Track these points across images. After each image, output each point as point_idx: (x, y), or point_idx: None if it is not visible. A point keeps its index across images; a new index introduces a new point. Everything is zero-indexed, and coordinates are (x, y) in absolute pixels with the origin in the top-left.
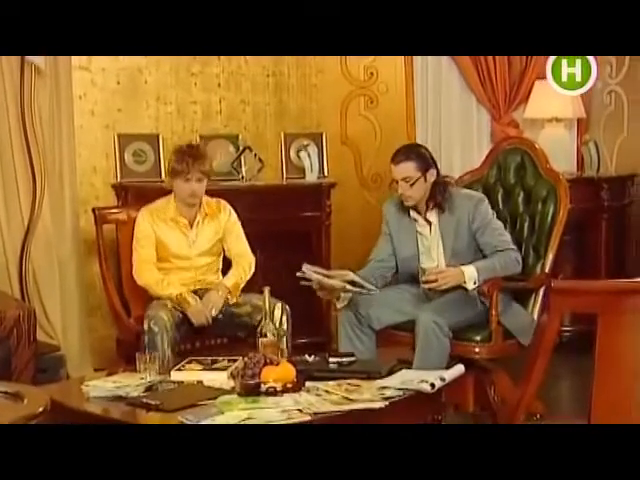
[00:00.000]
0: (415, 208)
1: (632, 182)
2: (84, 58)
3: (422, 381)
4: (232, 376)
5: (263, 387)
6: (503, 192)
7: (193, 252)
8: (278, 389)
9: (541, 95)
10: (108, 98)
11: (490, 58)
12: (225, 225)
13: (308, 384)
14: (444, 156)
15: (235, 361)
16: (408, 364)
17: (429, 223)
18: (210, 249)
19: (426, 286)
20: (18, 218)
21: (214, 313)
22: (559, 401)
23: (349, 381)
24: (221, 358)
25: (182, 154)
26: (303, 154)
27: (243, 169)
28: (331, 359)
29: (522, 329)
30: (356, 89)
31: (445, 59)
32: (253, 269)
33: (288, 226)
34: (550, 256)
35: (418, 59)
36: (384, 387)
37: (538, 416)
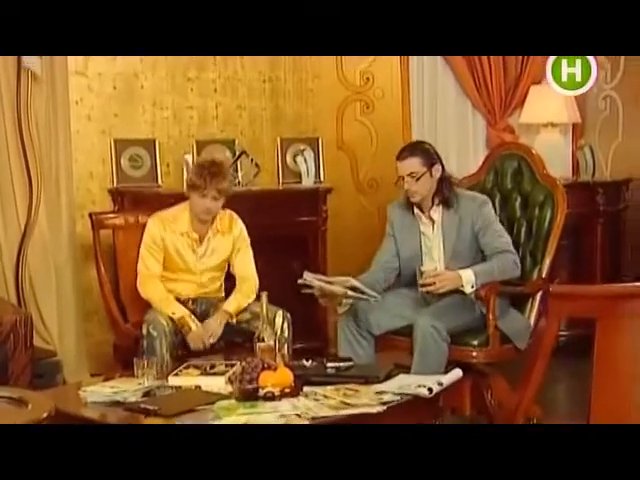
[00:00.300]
0: (419, 207)
1: (627, 187)
2: (80, 63)
3: (420, 386)
4: (230, 381)
5: (261, 392)
6: (500, 197)
7: (199, 267)
8: (276, 394)
9: (536, 100)
10: (104, 103)
11: (486, 63)
12: (234, 243)
13: (306, 389)
14: None
15: (233, 366)
16: (406, 369)
17: (432, 222)
18: (216, 266)
19: (424, 289)
20: (14, 223)
21: (212, 341)
22: (556, 405)
23: (347, 386)
24: (219, 363)
25: (202, 169)
26: (299, 159)
27: (239, 174)
28: (329, 364)
29: (519, 333)
30: (352, 94)
31: (441, 64)
32: (256, 292)
33: (284, 231)
34: (547, 261)
35: (414, 65)
36: (382, 392)
37: (535, 420)
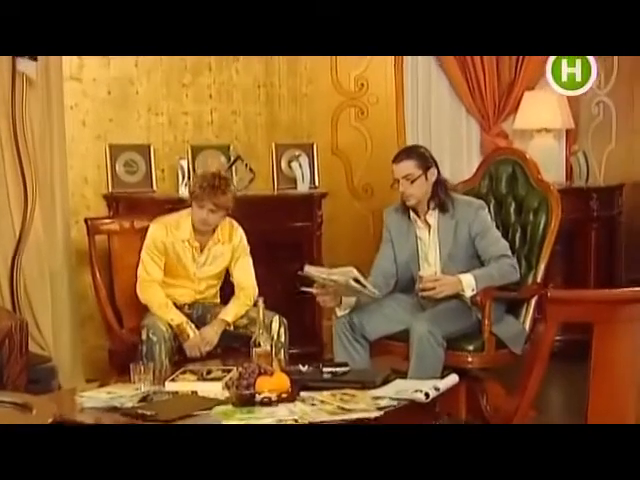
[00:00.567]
0: (415, 210)
1: (620, 192)
2: (75, 68)
3: (416, 391)
4: (227, 386)
5: (258, 397)
6: (495, 202)
7: (198, 276)
8: (273, 399)
9: (530, 106)
10: (99, 108)
11: (479, 68)
12: (233, 252)
13: (303, 394)
14: None
15: (229, 371)
16: (402, 374)
17: (428, 226)
18: (216, 275)
19: (423, 294)
20: (9, 229)
21: (209, 349)
22: (551, 409)
23: (344, 391)
24: (215, 368)
25: (203, 180)
26: (294, 164)
27: (234, 179)
28: (325, 369)
29: (514, 338)
30: (347, 100)
31: (435, 70)
32: (254, 301)
33: (279, 236)
34: (542, 266)
35: (408, 70)
36: (379, 397)
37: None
